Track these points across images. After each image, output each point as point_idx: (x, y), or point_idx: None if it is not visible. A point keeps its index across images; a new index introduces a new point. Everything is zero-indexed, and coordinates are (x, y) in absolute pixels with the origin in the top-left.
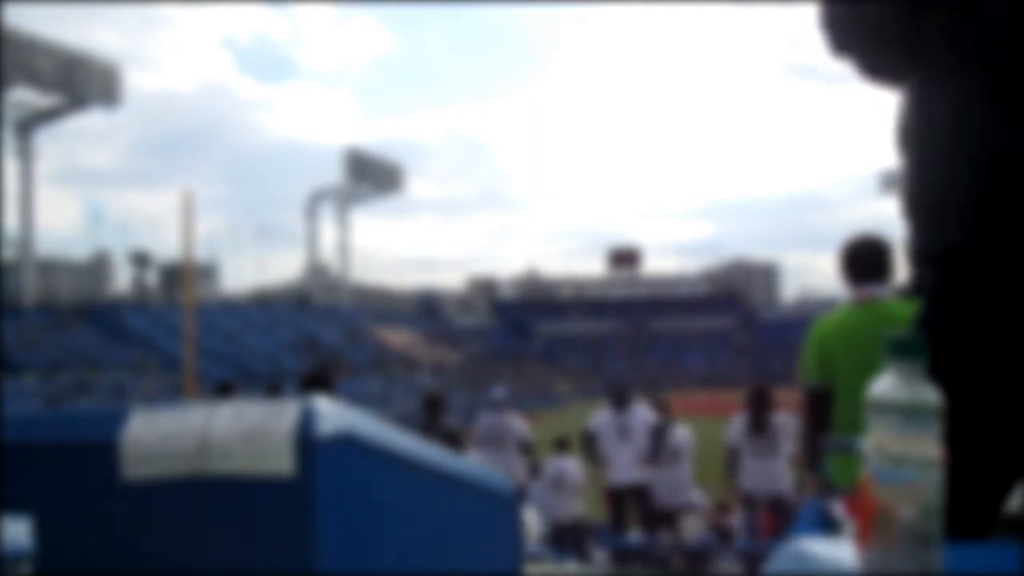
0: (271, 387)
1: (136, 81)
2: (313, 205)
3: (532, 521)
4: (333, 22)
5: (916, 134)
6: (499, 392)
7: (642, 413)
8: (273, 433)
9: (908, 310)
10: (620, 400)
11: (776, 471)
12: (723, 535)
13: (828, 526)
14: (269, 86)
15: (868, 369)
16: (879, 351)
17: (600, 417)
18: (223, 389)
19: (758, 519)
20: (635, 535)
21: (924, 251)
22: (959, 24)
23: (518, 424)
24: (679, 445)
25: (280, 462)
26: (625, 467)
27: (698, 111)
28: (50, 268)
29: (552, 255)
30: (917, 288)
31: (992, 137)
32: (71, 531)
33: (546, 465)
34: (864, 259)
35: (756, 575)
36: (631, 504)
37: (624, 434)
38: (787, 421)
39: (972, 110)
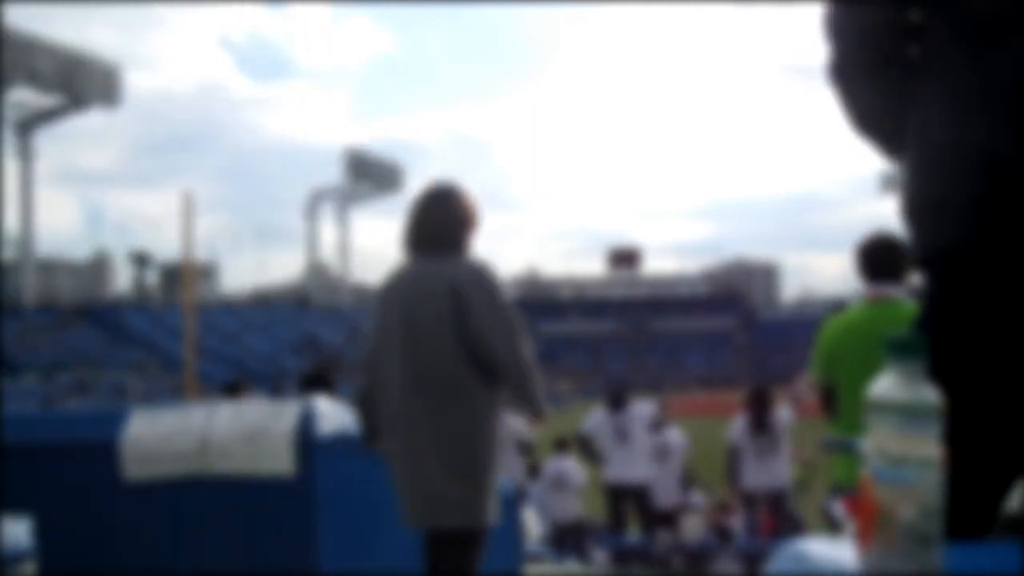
0: (272, 388)
1: (135, 81)
2: (313, 205)
3: (532, 521)
4: (329, 22)
5: (913, 135)
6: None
7: (639, 411)
8: (273, 433)
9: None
10: (617, 401)
11: (777, 471)
12: (723, 535)
13: None
14: (267, 86)
15: (872, 366)
16: (881, 349)
17: (595, 418)
18: (231, 389)
19: (758, 519)
20: (635, 535)
21: (923, 252)
22: (955, 24)
23: (517, 424)
24: (669, 445)
25: (280, 462)
26: (622, 467)
27: (698, 111)
28: (50, 268)
29: (552, 255)
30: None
31: (988, 138)
32: (71, 531)
33: (546, 465)
34: (880, 257)
35: (756, 575)
36: (629, 504)
37: (621, 435)
38: (787, 416)
39: (968, 111)
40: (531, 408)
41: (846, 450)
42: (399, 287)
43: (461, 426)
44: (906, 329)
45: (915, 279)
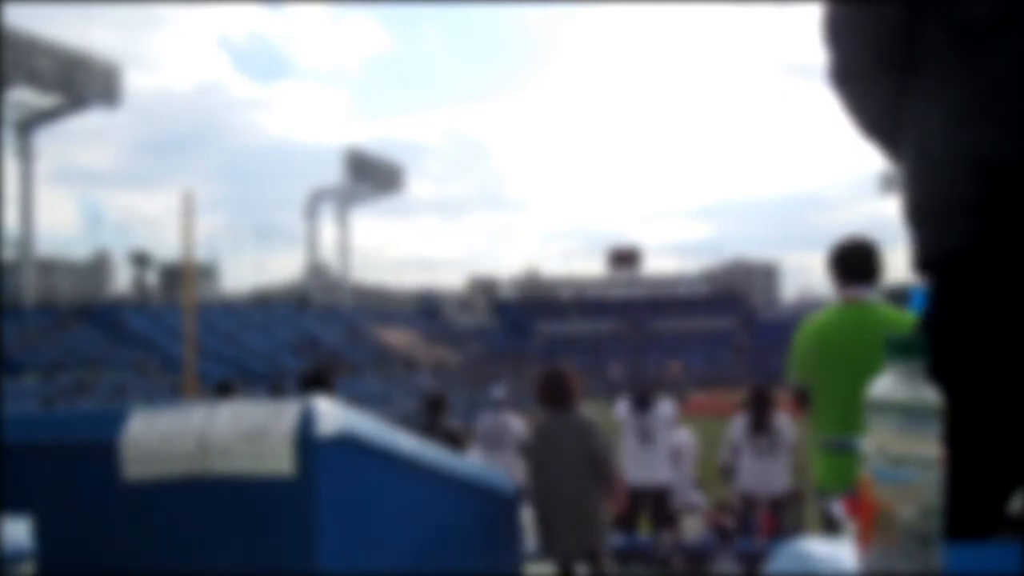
0: (274, 387)
1: (135, 81)
2: (313, 205)
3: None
4: (328, 22)
5: (912, 138)
6: (499, 391)
7: (663, 411)
8: (273, 433)
9: (891, 312)
10: (643, 401)
11: (776, 471)
12: (723, 535)
13: None
14: (267, 86)
15: (844, 368)
16: (856, 351)
17: (620, 410)
18: (223, 389)
19: (758, 519)
20: (638, 535)
21: (924, 255)
22: (950, 27)
23: (517, 424)
24: (679, 447)
25: (280, 462)
26: (646, 469)
27: (698, 111)
28: (50, 268)
29: (552, 255)
30: (902, 291)
31: (986, 142)
32: (71, 531)
33: None
34: (851, 261)
35: (756, 575)
36: (647, 505)
37: (645, 436)
38: (786, 423)
39: (965, 114)
40: (613, 494)
41: (839, 449)
42: (550, 428)
43: (590, 500)
44: (879, 331)
45: (885, 282)
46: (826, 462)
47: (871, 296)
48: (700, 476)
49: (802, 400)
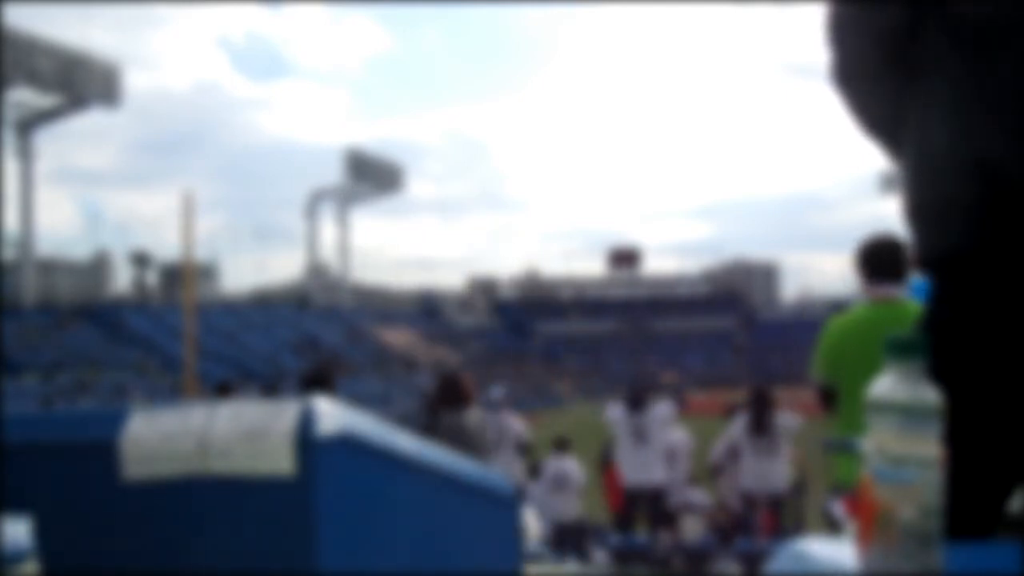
0: (268, 387)
1: (134, 81)
2: (313, 205)
3: (532, 521)
4: (328, 22)
5: (913, 138)
6: (497, 392)
7: (658, 411)
8: (273, 433)
9: (920, 311)
10: (637, 401)
11: (776, 471)
12: (723, 535)
13: None
14: (266, 86)
15: (875, 368)
16: (879, 349)
17: (614, 412)
18: (222, 389)
19: (758, 519)
20: (636, 535)
21: (924, 255)
22: (956, 30)
23: (516, 424)
24: (676, 447)
25: (280, 462)
26: (640, 470)
27: (698, 111)
28: (50, 268)
29: (552, 255)
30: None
31: (987, 143)
32: (71, 531)
33: (546, 465)
34: (880, 259)
35: (756, 575)
36: (643, 506)
37: (640, 436)
38: (788, 422)
39: (967, 116)
40: None
41: (847, 450)
42: (455, 423)
43: None
44: (907, 329)
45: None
46: (846, 460)
47: (901, 294)
48: (697, 475)
49: (826, 399)
